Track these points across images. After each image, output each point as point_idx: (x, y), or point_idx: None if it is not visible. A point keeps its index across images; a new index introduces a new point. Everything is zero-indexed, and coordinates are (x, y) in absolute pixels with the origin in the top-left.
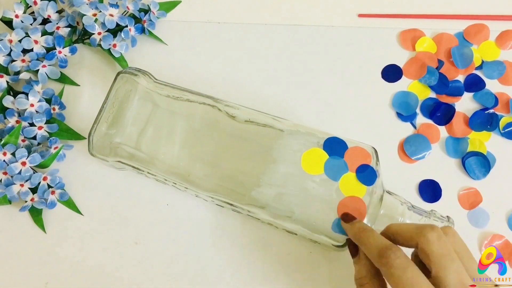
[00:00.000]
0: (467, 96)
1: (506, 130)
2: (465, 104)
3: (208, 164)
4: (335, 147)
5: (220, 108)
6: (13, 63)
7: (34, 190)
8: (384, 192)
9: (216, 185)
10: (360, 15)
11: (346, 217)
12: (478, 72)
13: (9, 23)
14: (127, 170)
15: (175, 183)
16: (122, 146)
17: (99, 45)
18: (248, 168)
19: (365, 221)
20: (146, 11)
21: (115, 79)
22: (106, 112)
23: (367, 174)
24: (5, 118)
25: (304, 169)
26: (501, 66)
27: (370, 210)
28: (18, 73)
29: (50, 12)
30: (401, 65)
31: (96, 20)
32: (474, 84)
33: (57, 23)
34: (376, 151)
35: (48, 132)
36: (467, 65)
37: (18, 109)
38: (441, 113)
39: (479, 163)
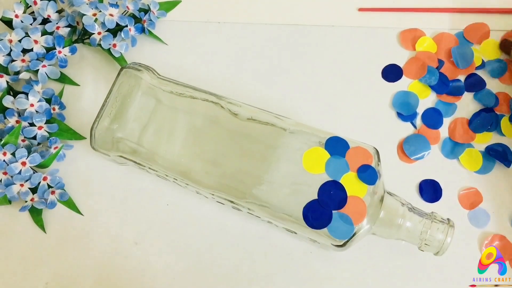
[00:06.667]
0: (468, 96)
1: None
2: (466, 104)
3: (210, 161)
4: (336, 146)
5: (222, 106)
6: (13, 63)
7: (34, 190)
8: (385, 193)
9: (217, 183)
10: (361, 9)
11: None
12: (478, 72)
13: (9, 23)
14: (128, 165)
15: (176, 179)
16: (124, 141)
17: (99, 45)
18: (249, 166)
19: (365, 221)
20: (146, 11)
21: (119, 73)
22: (109, 106)
23: (368, 175)
24: (5, 118)
25: (305, 168)
26: (502, 66)
27: (371, 211)
28: (18, 73)
29: (50, 12)
30: (401, 65)
31: (96, 20)
32: (475, 84)
33: (57, 23)
34: (377, 152)
35: (48, 132)
36: (467, 64)
37: (18, 109)
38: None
39: None
